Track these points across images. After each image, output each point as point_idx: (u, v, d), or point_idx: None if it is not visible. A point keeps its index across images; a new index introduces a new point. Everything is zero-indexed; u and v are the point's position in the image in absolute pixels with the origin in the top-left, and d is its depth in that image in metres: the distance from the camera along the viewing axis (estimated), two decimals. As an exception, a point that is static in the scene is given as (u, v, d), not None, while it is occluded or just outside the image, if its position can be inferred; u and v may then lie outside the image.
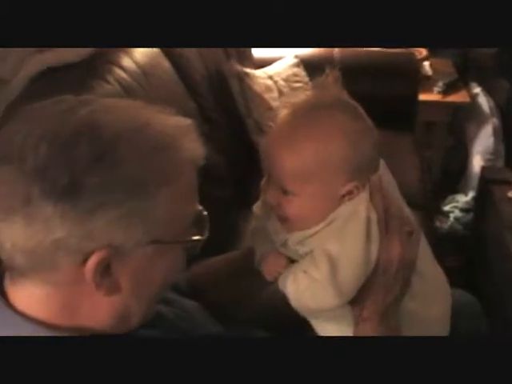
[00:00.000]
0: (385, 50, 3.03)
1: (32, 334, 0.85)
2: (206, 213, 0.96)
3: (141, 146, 0.84)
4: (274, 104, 2.73)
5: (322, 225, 1.04)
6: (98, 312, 0.88)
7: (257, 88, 2.68)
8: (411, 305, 1.11)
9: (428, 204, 2.65)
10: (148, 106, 0.91)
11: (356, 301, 1.07)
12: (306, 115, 1.04)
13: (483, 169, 2.86)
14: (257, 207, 1.16)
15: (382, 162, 1.12)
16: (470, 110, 3.52)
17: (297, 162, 1.01)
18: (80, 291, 0.85)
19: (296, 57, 2.99)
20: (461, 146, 3.61)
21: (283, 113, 1.07)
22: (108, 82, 1.79)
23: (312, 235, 1.06)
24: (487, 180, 2.59)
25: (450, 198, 3.36)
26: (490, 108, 3.46)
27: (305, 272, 1.05)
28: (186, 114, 0.89)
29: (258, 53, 3.08)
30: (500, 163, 3.34)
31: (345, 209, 1.04)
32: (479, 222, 2.69)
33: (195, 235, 0.93)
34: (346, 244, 1.02)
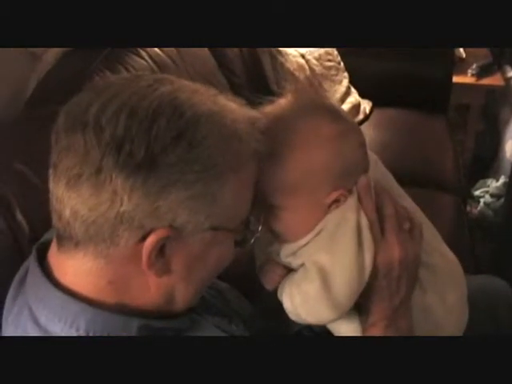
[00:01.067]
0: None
1: (76, 311, 0.84)
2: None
3: (218, 130, 0.83)
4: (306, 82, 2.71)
5: (310, 236, 1.01)
6: (144, 291, 0.87)
7: (289, 66, 2.67)
8: (425, 299, 1.08)
9: (459, 188, 2.62)
10: (221, 94, 0.90)
11: (361, 307, 1.05)
12: (282, 124, 0.99)
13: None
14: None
15: (373, 156, 1.07)
16: (504, 94, 3.47)
17: (278, 176, 0.98)
18: (132, 268, 0.84)
19: (329, 35, 2.95)
20: (493, 130, 3.57)
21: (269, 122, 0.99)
22: (141, 57, 1.78)
23: (302, 247, 1.02)
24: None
25: (480, 182, 3.32)
26: (525, 92, 3.40)
27: (298, 286, 1.01)
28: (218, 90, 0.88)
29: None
30: (533, 149, 3.29)
31: (332, 217, 1.00)
32: (510, 208, 2.65)
33: (250, 226, 0.94)
34: (337, 254, 0.98)
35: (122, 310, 0.86)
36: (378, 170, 1.09)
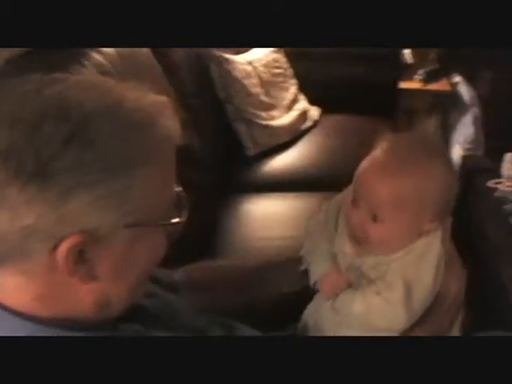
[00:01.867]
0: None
1: (15, 327, 0.82)
2: (184, 194, 0.92)
3: (114, 124, 0.79)
4: (254, 90, 2.71)
5: (400, 253, 1.11)
6: (76, 301, 0.84)
7: (237, 74, 2.66)
8: None
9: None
10: (121, 84, 0.86)
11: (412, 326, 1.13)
12: (410, 154, 1.11)
13: (464, 158, 2.84)
14: (316, 224, 1.23)
15: None
16: (451, 99, 3.51)
17: (397, 190, 1.07)
18: (54, 280, 0.81)
19: (276, 43, 2.95)
20: (441, 134, 3.60)
21: (384, 145, 1.13)
22: (84, 66, 1.75)
23: (388, 262, 1.11)
24: (469, 169, 2.57)
25: (429, 186, 3.35)
26: (471, 97, 3.45)
27: (377, 293, 1.10)
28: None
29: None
30: (480, 152, 3.33)
31: (423, 241, 1.11)
32: (459, 211, 2.67)
33: (174, 217, 0.89)
34: (422, 273, 1.09)
35: (61, 324, 0.84)
36: None
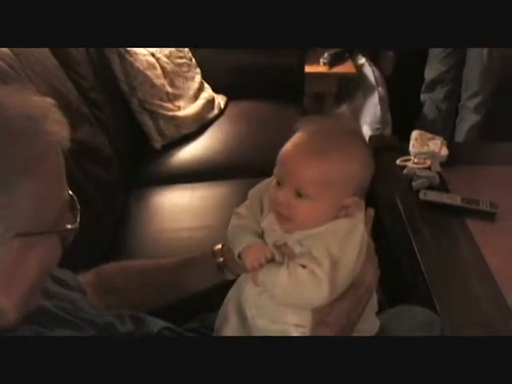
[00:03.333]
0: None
1: None
2: (75, 198, 0.90)
3: None
4: (158, 81, 2.67)
5: (322, 228, 1.13)
6: None
7: (139, 65, 2.61)
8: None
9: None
10: (3, 87, 0.83)
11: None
12: (332, 136, 1.16)
13: (371, 138, 2.88)
14: (243, 207, 1.24)
15: None
16: (356, 81, 3.55)
17: (322, 170, 1.11)
18: None
19: (178, 32, 2.92)
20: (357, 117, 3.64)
21: (307, 128, 1.17)
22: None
23: (311, 236, 1.14)
24: (376, 148, 2.60)
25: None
26: (376, 78, 3.50)
27: (304, 267, 1.11)
28: (64, 95, 0.84)
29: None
30: (388, 132, 3.38)
31: (348, 223, 1.15)
32: (367, 191, 2.70)
33: (66, 223, 0.87)
34: (346, 251, 1.12)
35: None
36: None
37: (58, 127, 0.82)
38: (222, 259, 1.32)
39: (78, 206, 0.90)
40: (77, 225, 0.89)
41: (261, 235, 1.19)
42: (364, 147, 1.19)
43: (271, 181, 1.19)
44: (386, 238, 2.10)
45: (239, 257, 1.18)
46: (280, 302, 1.15)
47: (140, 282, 1.33)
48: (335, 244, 1.12)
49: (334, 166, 1.13)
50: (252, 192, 1.26)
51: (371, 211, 1.21)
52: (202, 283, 1.35)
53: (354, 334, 1.19)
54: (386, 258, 1.37)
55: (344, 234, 1.14)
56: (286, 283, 1.12)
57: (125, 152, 2.48)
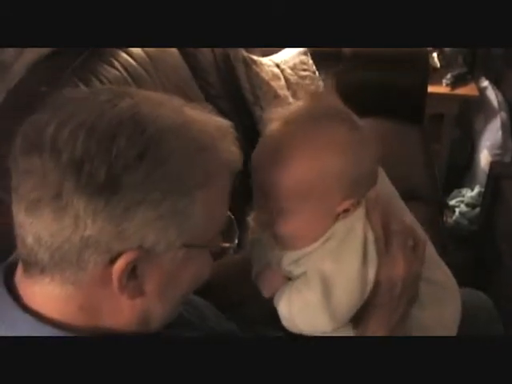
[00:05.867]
0: (394, 40, 3.00)
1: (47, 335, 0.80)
2: (234, 219, 0.93)
3: (183, 144, 0.80)
4: (281, 92, 2.69)
5: (317, 244, 0.99)
6: (118, 314, 0.84)
7: (264, 75, 2.64)
8: (424, 316, 1.07)
9: (435, 198, 2.61)
10: (188, 104, 0.87)
11: (358, 321, 1.03)
12: (298, 128, 0.97)
13: (492, 164, 2.83)
14: (252, 219, 1.08)
15: (380, 172, 1.06)
16: (478, 104, 3.48)
17: (290, 179, 0.95)
18: (102, 293, 0.81)
19: (304, 45, 2.94)
20: (468, 139, 3.58)
21: (273, 125, 0.99)
22: (114, 67, 1.75)
23: (307, 254, 1.00)
24: (497, 175, 2.55)
25: (455, 192, 3.33)
26: (499, 102, 3.42)
27: (299, 292, 1.00)
28: (192, 101, 0.87)
29: (264, 40, 3.02)
30: (508, 158, 3.30)
31: (341, 226, 0.98)
32: (487, 218, 2.65)
33: (224, 242, 0.91)
34: (342, 264, 0.97)
35: (95, 334, 0.83)
36: (384, 184, 1.08)
37: (234, 149, 0.86)
38: None
39: (236, 228, 0.92)
40: (234, 244, 0.92)
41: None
42: (345, 131, 0.97)
43: None
44: (502, 274, 2.04)
45: (255, 279, 1.08)
46: (293, 331, 1.04)
47: (235, 275, 1.26)
48: (328, 258, 0.97)
49: (303, 168, 0.95)
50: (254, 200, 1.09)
51: (372, 193, 0.99)
52: None
53: (426, 285, 1.04)
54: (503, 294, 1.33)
55: (338, 243, 0.97)
56: (285, 313, 1.02)
57: (245, 163, 2.50)
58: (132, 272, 0.79)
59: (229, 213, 0.92)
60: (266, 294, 1.05)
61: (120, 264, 0.77)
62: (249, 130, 2.63)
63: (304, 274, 1.00)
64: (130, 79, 1.76)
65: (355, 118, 1.01)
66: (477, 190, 3.21)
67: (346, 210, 0.98)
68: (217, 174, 0.84)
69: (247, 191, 0.96)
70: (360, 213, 0.99)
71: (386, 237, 0.99)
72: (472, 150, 3.50)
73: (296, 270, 1.02)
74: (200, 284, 0.92)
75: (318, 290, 0.96)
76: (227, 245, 0.92)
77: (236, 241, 0.93)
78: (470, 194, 3.23)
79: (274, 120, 1.00)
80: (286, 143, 0.95)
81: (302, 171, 0.95)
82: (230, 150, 0.86)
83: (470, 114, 3.57)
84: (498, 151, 3.30)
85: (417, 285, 1.03)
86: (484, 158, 3.29)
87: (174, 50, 2.17)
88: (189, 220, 0.81)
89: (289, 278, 1.04)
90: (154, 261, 0.80)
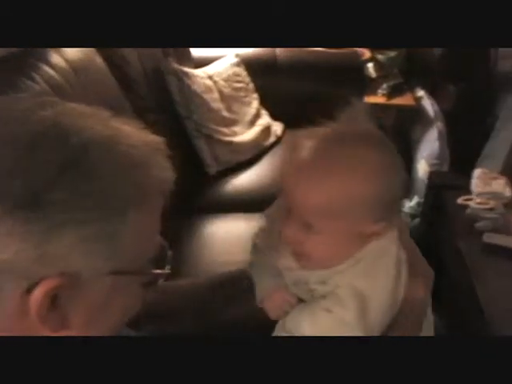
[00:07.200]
0: (329, 50, 2.99)
1: None
2: (167, 244, 0.85)
3: (111, 157, 0.72)
4: (215, 105, 2.64)
5: (348, 263, 0.97)
6: None
7: (196, 88, 2.59)
8: None
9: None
10: (115, 117, 0.78)
11: None
12: (331, 149, 0.95)
13: (431, 174, 2.81)
14: (258, 238, 1.09)
15: None
16: (415, 114, 3.49)
17: (322, 198, 0.93)
18: (21, 325, 0.72)
19: (237, 56, 2.91)
20: (405, 150, 3.57)
21: (305, 144, 0.97)
22: (35, 81, 1.66)
23: (337, 273, 0.98)
24: (436, 185, 2.53)
25: (394, 202, 3.31)
26: (435, 111, 3.43)
27: (328, 311, 0.97)
28: (120, 115, 0.81)
29: (196, 52, 2.96)
30: (445, 168, 3.29)
31: (374, 247, 0.98)
32: (428, 229, 2.63)
33: (155, 269, 0.82)
34: (377, 283, 0.97)
35: None
36: None
37: (165, 165, 0.78)
38: None
39: (170, 252, 0.85)
40: (167, 270, 0.84)
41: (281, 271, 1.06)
42: (379, 154, 0.96)
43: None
44: (446, 278, 2.03)
45: (260, 303, 1.06)
46: None
47: (176, 302, 1.28)
48: (361, 277, 0.97)
49: (337, 188, 0.93)
50: (268, 213, 1.08)
51: (402, 220, 1.04)
52: (237, 303, 1.28)
53: None
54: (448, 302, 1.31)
55: (371, 263, 0.97)
56: (311, 334, 0.98)
57: (178, 177, 2.41)
58: (53, 302, 0.71)
59: (161, 238, 0.84)
60: (274, 316, 1.04)
61: (38, 293, 0.69)
62: (182, 146, 2.56)
63: (331, 293, 0.99)
64: (51, 92, 1.67)
65: (387, 140, 0.99)
66: (415, 200, 3.19)
67: (377, 233, 0.97)
68: (149, 192, 0.76)
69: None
70: (392, 235, 0.99)
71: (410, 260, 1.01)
72: (409, 160, 3.49)
73: (322, 289, 1.00)
74: (130, 315, 0.84)
75: (353, 308, 0.95)
76: (159, 272, 0.82)
77: (168, 267, 0.85)
78: (408, 204, 3.20)
79: (305, 140, 0.97)
80: (319, 164, 0.94)
81: (332, 192, 0.93)
82: (162, 167, 0.78)
83: (407, 124, 3.56)
84: (435, 161, 3.29)
85: (425, 314, 1.05)
86: (422, 168, 3.28)
87: (100, 62, 2.08)
88: (118, 244, 0.72)
89: (301, 300, 1.03)
90: (78, 289, 0.72)
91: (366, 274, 0.97)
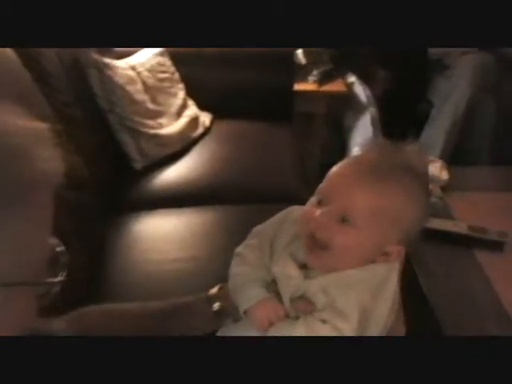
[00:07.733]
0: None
1: None
2: (63, 248, 0.75)
3: None
4: (139, 97, 2.54)
5: (354, 272, 1.02)
6: None
7: (118, 79, 2.48)
8: None
9: (305, 198, 2.53)
10: None
11: None
12: (397, 170, 1.04)
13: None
14: (247, 248, 1.10)
15: None
16: (347, 100, 3.45)
17: (378, 202, 1.01)
18: None
19: (160, 46, 2.79)
20: (338, 137, 3.53)
21: (370, 152, 1.09)
22: None
23: (342, 280, 1.01)
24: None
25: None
26: (367, 97, 3.41)
27: (324, 322, 0.98)
28: (35, 110, 0.72)
29: (118, 42, 2.85)
30: (379, 153, 3.27)
31: (382, 269, 1.03)
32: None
33: (48, 277, 0.72)
34: (380, 303, 1.00)
35: None
36: None
37: (51, 156, 0.67)
38: (219, 305, 1.13)
39: (67, 257, 0.75)
40: (62, 278, 0.74)
41: (270, 285, 1.05)
42: (426, 193, 1.08)
43: (283, 218, 1.10)
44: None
45: (245, 313, 1.05)
46: None
47: (123, 329, 1.16)
48: (367, 293, 1.00)
49: (391, 200, 1.02)
50: (259, 230, 1.12)
51: (403, 251, 1.06)
52: (194, 331, 1.17)
53: None
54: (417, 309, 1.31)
55: (379, 283, 1.02)
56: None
57: (102, 174, 2.32)
58: None
59: (56, 240, 0.74)
60: (259, 326, 1.03)
61: None
62: (105, 140, 2.45)
63: (327, 304, 1.00)
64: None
65: (428, 186, 1.12)
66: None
67: (389, 255, 1.03)
68: (31, 188, 0.65)
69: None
70: (396, 266, 1.04)
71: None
72: (343, 147, 3.45)
73: (322, 299, 1.01)
74: (25, 333, 0.73)
75: (355, 319, 0.97)
76: (52, 280, 0.72)
77: (63, 275, 0.74)
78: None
79: (371, 152, 1.09)
80: (380, 174, 1.02)
81: (388, 202, 1.02)
82: (47, 158, 0.66)
83: (339, 111, 3.53)
84: (369, 147, 3.27)
85: None
86: (356, 153, 3.25)
87: (11, 54, 1.94)
88: None
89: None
90: None
91: (372, 292, 1.00)
